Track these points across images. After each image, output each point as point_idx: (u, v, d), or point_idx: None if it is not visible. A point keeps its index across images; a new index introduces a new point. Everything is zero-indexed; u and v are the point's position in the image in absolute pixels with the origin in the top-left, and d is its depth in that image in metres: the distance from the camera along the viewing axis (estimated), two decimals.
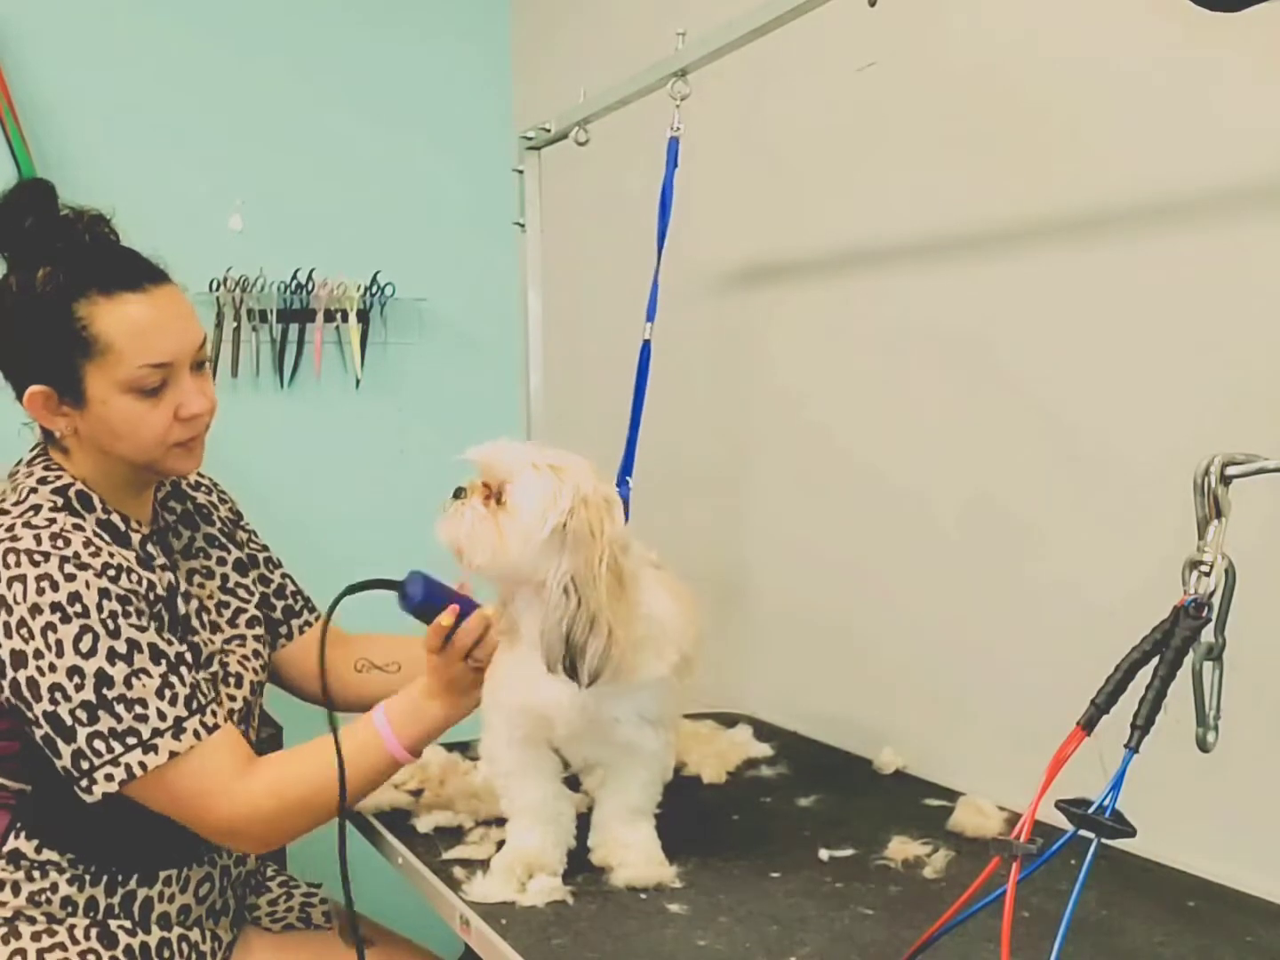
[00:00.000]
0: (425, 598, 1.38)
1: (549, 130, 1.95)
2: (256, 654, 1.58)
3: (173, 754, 1.32)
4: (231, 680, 1.51)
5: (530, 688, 1.26)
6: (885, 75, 1.75)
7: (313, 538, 2.55)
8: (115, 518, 1.44)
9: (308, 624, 1.70)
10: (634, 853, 1.30)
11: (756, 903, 1.23)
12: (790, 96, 1.94)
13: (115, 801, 1.33)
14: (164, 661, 1.35)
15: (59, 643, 1.30)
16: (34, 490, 1.41)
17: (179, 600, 1.45)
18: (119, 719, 1.31)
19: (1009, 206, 1.58)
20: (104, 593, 1.33)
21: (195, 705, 1.35)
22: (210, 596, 1.56)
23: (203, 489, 1.66)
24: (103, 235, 1.44)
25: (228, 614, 1.57)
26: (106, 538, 1.39)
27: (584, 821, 1.35)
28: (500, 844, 1.35)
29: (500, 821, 1.42)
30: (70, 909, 1.40)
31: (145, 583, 1.38)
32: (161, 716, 1.32)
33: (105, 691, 1.30)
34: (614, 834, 1.31)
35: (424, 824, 1.48)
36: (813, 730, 1.91)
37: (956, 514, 1.67)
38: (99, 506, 1.43)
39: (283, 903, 1.62)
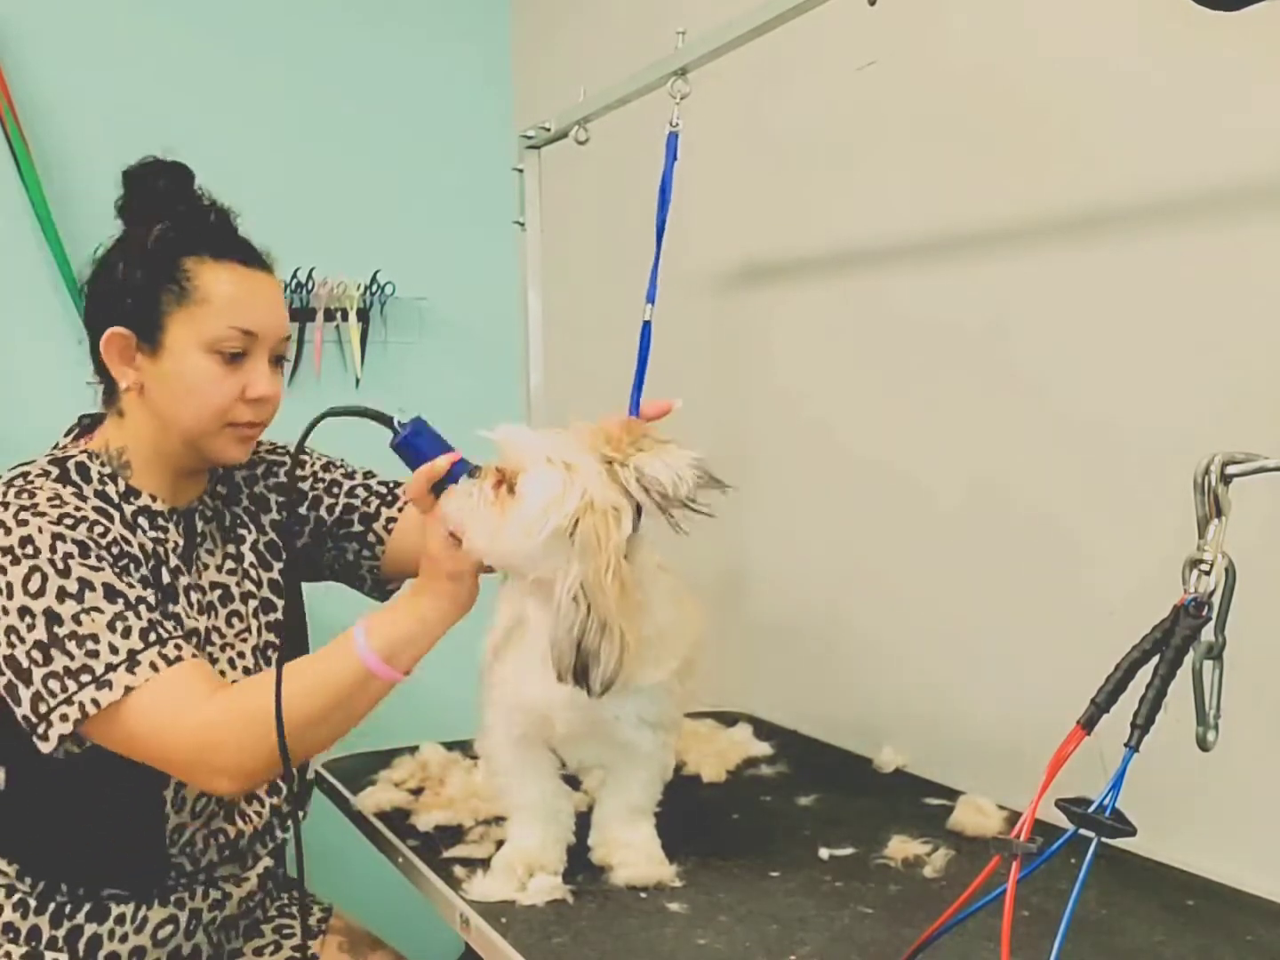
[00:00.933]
0: (414, 435, 1.30)
1: (549, 129, 1.95)
2: (256, 650, 1.51)
3: (129, 689, 1.26)
4: (239, 666, 1.47)
5: (529, 687, 1.26)
6: (885, 74, 1.75)
7: None
8: (112, 489, 1.41)
9: (392, 520, 1.63)
10: (634, 852, 1.29)
11: (756, 902, 1.23)
12: (790, 95, 1.94)
13: (67, 805, 1.29)
14: (120, 600, 1.30)
15: (9, 585, 1.28)
16: (33, 461, 1.41)
17: (164, 570, 1.41)
18: (71, 656, 1.26)
19: (1009, 205, 1.58)
20: (58, 536, 1.30)
21: (154, 638, 1.29)
22: (239, 584, 1.52)
23: (253, 463, 1.62)
24: (226, 218, 1.48)
25: (248, 606, 1.52)
26: (89, 497, 1.37)
27: (584, 820, 1.35)
28: (500, 843, 1.35)
29: (500, 820, 1.42)
30: (11, 935, 1.37)
31: (112, 536, 1.35)
32: (114, 650, 1.27)
33: (56, 629, 1.27)
34: (614, 833, 1.31)
35: (424, 823, 1.47)
36: (812, 729, 1.91)
37: (957, 513, 1.67)
38: (97, 477, 1.41)
39: (269, 954, 1.53)
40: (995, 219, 1.60)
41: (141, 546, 1.39)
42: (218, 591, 1.49)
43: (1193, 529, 0.87)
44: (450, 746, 1.70)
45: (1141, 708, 0.84)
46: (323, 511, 1.63)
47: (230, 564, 1.52)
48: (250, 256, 1.45)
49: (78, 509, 1.34)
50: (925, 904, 1.21)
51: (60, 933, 1.37)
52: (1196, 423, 1.33)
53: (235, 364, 1.39)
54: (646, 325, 1.70)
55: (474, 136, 2.82)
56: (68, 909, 1.38)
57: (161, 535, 1.44)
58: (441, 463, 1.27)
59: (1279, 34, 1.19)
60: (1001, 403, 1.59)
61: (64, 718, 1.26)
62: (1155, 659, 0.86)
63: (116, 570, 1.32)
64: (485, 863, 1.31)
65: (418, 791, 1.58)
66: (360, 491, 1.65)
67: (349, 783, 1.65)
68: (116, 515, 1.38)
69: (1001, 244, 1.59)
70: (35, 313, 2.43)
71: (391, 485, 1.67)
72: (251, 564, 1.55)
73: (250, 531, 1.57)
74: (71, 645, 1.26)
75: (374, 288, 2.67)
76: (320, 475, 1.66)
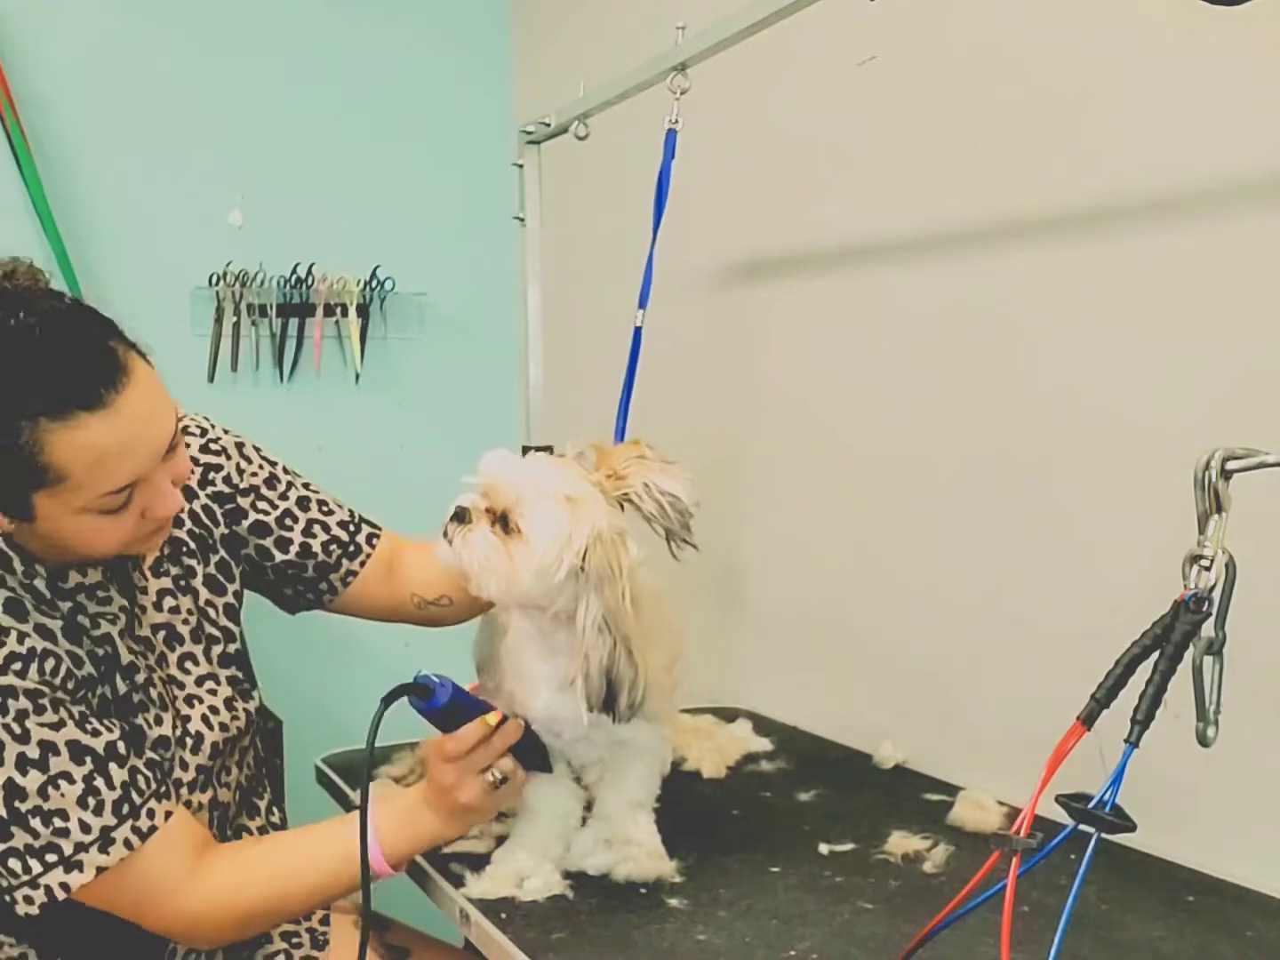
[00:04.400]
0: (451, 697, 1.22)
1: (549, 125, 1.95)
2: (229, 703, 1.40)
3: (100, 869, 1.18)
4: (189, 743, 1.34)
5: (534, 700, 1.26)
6: (885, 69, 1.75)
7: None
8: (40, 582, 1.24)
9: (351, 573, 1.50)
10: (634, 847, 1.29)
11: (756, 897, 1.23)
12: (790, 91, 1.94)
13: (67, 929, 1.23)
14: (88, 759, 1.19)
15: None
16: None
17: (118, 677, 1.28)
18: (35, 835, 1.16)
19: (1009, 199, 1.57)
20: (8, 691, 1.17)
21: (127, 809, 1.19)
22: (185, 621, 1.39)
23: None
24: (48, 314, 1.12)
25: (201, 643, 1.40)
26: (28, 602, 1.22)
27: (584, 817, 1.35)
28: (500, 839, 1.35)
29: (501, 816, 1.42)
30: None
31: (65, 667, 1.22)
32: (85, 829, 1.17)
33: (18, 804, 1.15)
34: (614, 828, 1.31)
35: None
36: (812, 725, 1.91)
37: (957, 510, 1.67)
38: (21, 569, 1.23)
39: None
40: (995, 213, 1.60)
41: (91, 654, 1.26)
42: (161, 634, 1.37)
43: (1194, 524, 0.87)
44: None
45: (1141, 703, 0.84)
46: (270, 544, 1.46)
47: (170, 600, 1.38)
48: (93, 385, 1.11)
49: (21, 639, 1.20)
50: (925, 899, 1.21)
51: None
52: (1198, 419, 1.33)
53: (125, 505, 1.18)
54: (638, 331, 1.69)
55: (474, 132, 2.82)
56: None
57: (104, 609, 1.29)
58: (493, 718, 1.23)
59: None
60: (1003, 399, 1.59)
61: (29, 900, 1.17)
62: (1155, 654, 0.85)
63: (78, 716, 1.20)
64: (486, 858, 1.31)
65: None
66: (318, 532, 1.48)
67: (349, 778, 1.65)
68: (58, 626, 1.23)
69: (1002, 238, 1.59)
70: None
71: (353, 529, 1.51)
72: (208, 601, 1.42)
73: (198, 560, 1.42)
74: (36, 822, 1.16)
75: (374, 283, 2.67)
76: (265, 494, 1.47)
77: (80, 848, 1.17)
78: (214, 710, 1.38)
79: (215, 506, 1.44)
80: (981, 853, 0.97)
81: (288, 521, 1.47)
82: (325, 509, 1.51)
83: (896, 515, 1.77)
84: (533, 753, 1.28)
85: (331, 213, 2.67)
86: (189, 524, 1.42)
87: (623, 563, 1.16)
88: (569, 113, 1.88)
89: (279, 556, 1.47)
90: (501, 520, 1.18)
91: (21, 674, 1.18)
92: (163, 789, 1.26)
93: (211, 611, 1.42)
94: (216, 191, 2.59)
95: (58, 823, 1.17)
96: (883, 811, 1.49)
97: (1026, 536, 1.56)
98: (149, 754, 1.29)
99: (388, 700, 1.17)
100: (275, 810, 1.54)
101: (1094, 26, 1.44)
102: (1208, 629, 0.86)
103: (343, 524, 1.51)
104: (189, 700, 1.37)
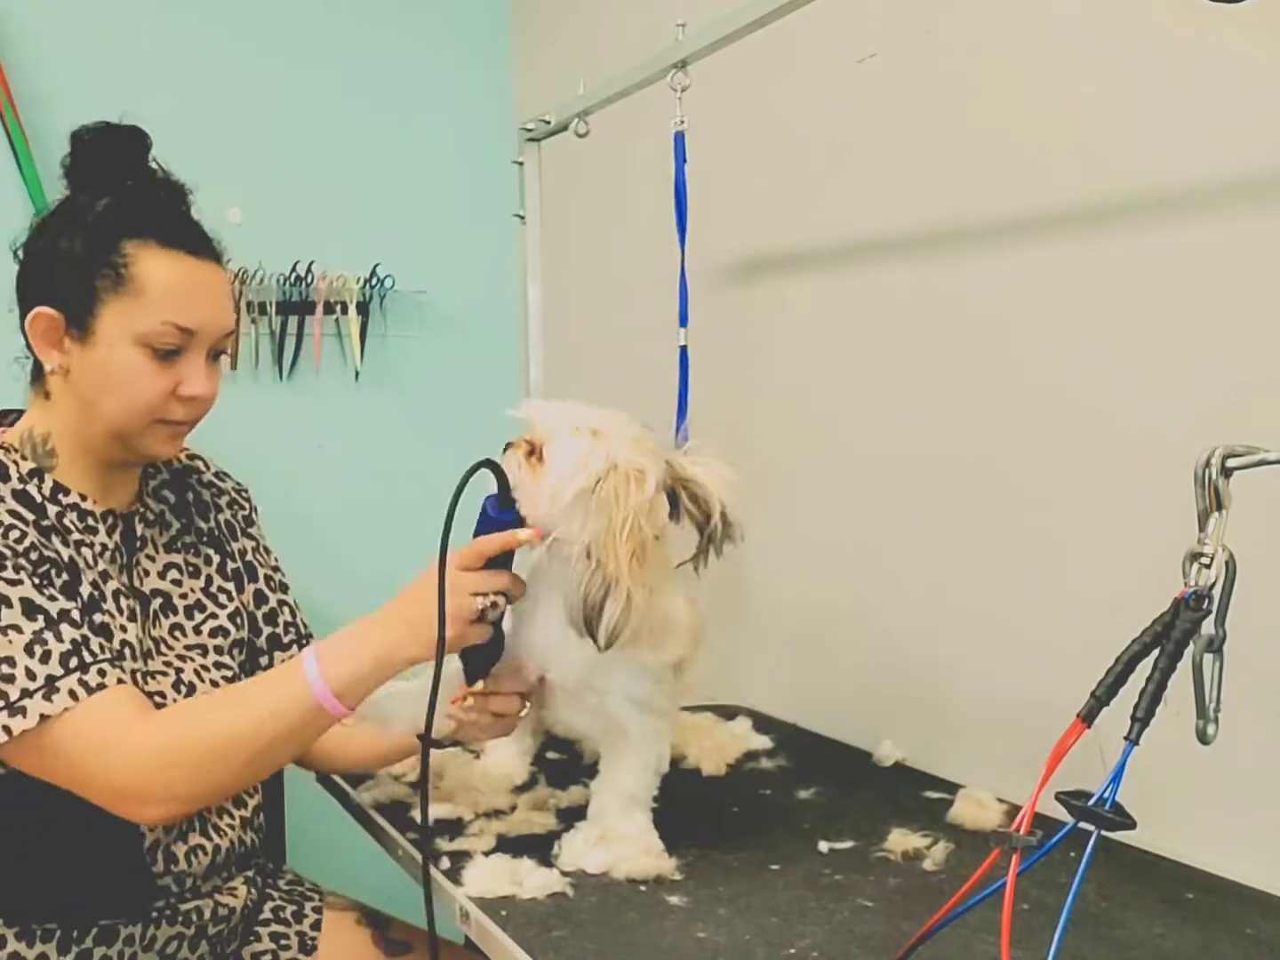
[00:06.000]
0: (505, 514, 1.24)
1: (549, 122, 1.95)
2: (218, 667, 1.46)
3: (43, 716, 1.19)
4: (184, 689, 1.40)
5: (532, 632, 1.29)
6: (886, 67, 1.75)
7: (311, 529, 2.56)
8: (34, 488, 1.32)
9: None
10: (630, 844, 1.29)
11: (756, 895, 1.23)
12: (791, 88, 1.94)
13: (41, 838, 1.24)
14: (40, 617, 1.22)
15: None
16: None
17: (83, 579, 1.32)
18: None
19: (1012, 196, 1.57)
20: None
21: (75, 663, 1.22)
22: (185, 596, 1.46)
23: (212, 488, 1.56)
24: (178, 196, 1.40)
25: (200, 617, 1.46)
26: (4, 498, 1.28)
27: (582, 815, 1.35)
28: (500, 837, 1.35)
29: (499, 813, 1.42)
30: None
31: (29, 542, 1.26)
32: (31, 676, 1.19)
33: None
34: (610, 824, 1.31)
35: None
36: (812, 723, 1.91)
37: (957, 507, 1.67)
38: (16, 477, 1.32)
39: None
40: (996, 212, 1.60)
41: (58, 553, 1.31)
42: (159, 600, 1.43)
43: (1193, 524, 0.87)
44: None
45: (1141, 701, 0.84)
46: (248, 596, 1.55)
47: (174, 573, 1.45)
48: (197, 245, 1.34)
49: None
50: (925, 897, 1.21)
51: (69, 958, 1.33)
52: (1197, 416, 1.33)
53: (169, 360, 1.31)
54: (683, 350, 1.70)
55: (474, 130, 2.82)
56: (75, 934, 1.34)
57: (88, 538, 1.36)
58: (525, 534, 1.23)
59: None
60: (1002, 395, 1.59)
61: None
62: (1155, 652, 0.86)
63: (36, 581, 1.25)
64: (486, 855, 1.31)
65: (417, 785, 1.58)
66: (284, 614, 1.58)
67: (348, 776, 1.65)
68: (32, 519, 1.30)
69: (1003, 237, 1.59)
70: None
71: (299, 630, 1.59)
72: (220, 587, 1.50)
73: (215, 553, 1.51)
74: None
75: (374, 281, 2.67)
76: (262, 554, 1.58)
77: (25, 694, 1.19)
78: (203, 669, 1.43)
79: (235, 524, 1.56)
80: (981, 850, 0.97)
81: (270, 585, 1.57)
82: (291, 609, 1.59)
83: (898, 512, 1.77)
84: (483, 658, 1.29)
85: (331, 210, 2.67)
86: (214, 523, 1.52)
87: (630, 495, 1.20)
88: (569, 110, 1.88)
89: (250, 610, 1.54)
90: (538, 454, 1.25)
91: None
92: (116, 661, 1.28)
93: (223, 598, 1.49)
94: (216, 188, 2.58)
95: (5, 669, 1.20)
96: (882, 809, 1.49)
97: (1028, 535, 1.56)
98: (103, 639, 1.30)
99: (470, 473, 1.19)
100: (260, 815, 1.54)
101: (1094, 26, 1.44)
102: (1208, 626, 0.86)
103: (297, 623, 1.60)
104: (167, 665, 1.41)
